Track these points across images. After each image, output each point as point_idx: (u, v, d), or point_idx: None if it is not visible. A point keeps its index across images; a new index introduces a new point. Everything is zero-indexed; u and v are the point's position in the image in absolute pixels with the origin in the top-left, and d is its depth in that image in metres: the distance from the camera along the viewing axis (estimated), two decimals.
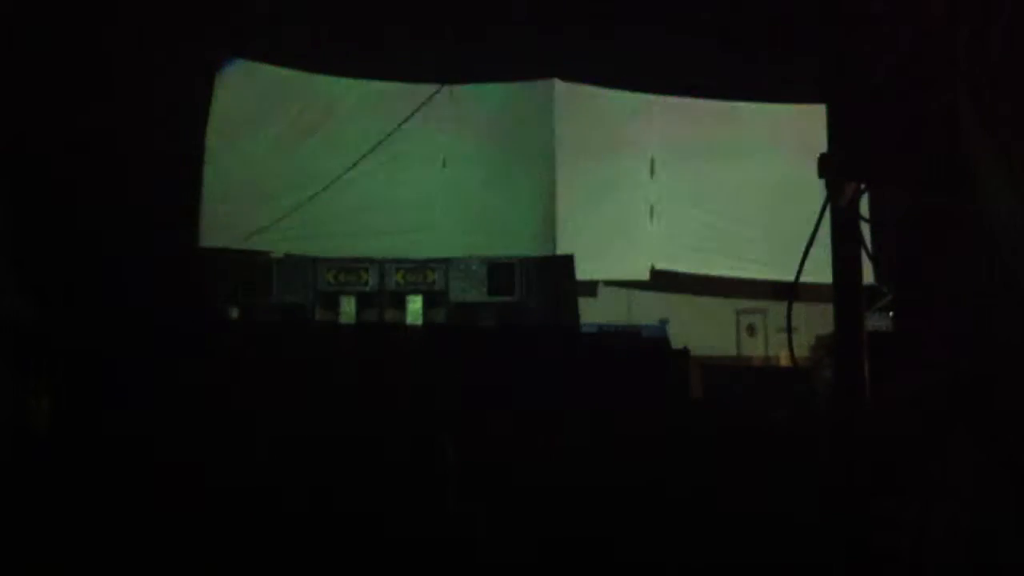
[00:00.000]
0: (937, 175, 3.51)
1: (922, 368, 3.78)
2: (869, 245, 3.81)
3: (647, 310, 9.78)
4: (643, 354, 8.22)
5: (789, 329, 3.89)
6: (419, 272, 9.18)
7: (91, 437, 6.57)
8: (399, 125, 9.27)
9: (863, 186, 3.63)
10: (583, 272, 9.22)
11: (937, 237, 3.72)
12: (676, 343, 8.54)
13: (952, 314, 3.78)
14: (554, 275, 9.11)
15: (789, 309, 3.89)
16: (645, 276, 9.85)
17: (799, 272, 3.71)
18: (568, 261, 9.10)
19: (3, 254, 7.56)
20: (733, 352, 10.13)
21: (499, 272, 9.07)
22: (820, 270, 3.86)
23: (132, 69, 8.15)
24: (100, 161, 7.97)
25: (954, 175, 3.43)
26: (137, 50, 8.17)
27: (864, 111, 3.58)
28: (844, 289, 3.67)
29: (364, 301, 9.18)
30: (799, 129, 8.63)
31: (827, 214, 3.66)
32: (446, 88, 9.35)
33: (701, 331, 9.34)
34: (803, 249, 3.64)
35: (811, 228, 3.72)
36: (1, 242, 7.60)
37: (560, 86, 9.60)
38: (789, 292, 3.94)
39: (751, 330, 10.19)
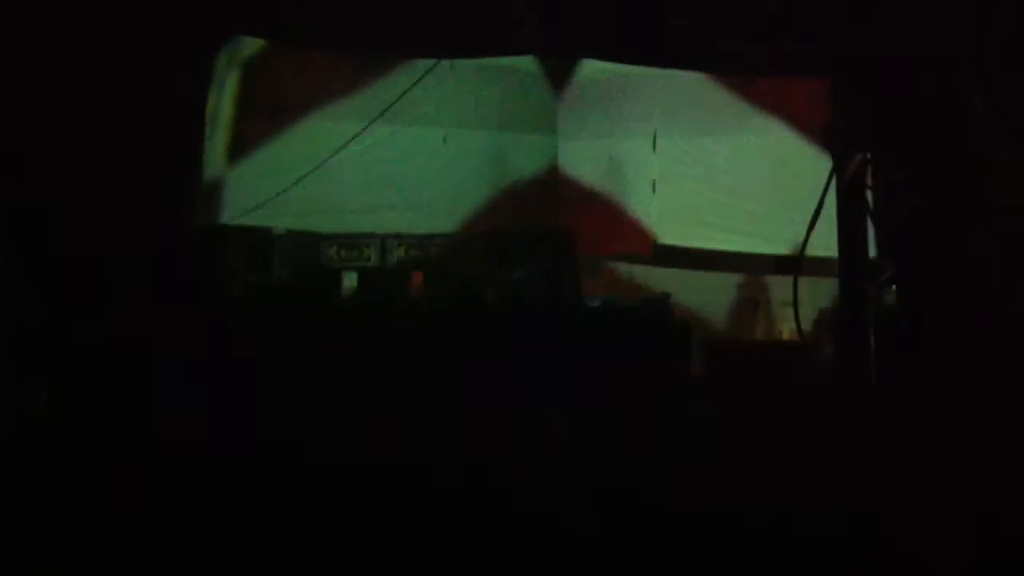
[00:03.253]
0: (941, 148, 3.49)
1: (925, 346, 3.77)
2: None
3: (649, 285, 9.76)
4: (645, 329, 8.22)
5: (795, 304, 3.87)
6: (420, 248, 9.15)
7: (93, 425, 6.56)
8: (397, 99, 9.21)
9: (868, 156, 3.61)
10: (585, 247, 9.20)
11: (940, 210, 3.70)
12: (678, 318, 8.54)
13: (956, 290, 3.76)
14: (556, 250, 9.09)
15: (795, 284, 3.87)
16: (647, 251, 9.82)
17: (804, 245, 3.70)
18: (570, 236, 9.08)
19: (2, 239, 7.54)
20: (735, 326, 10.11)
21: (500, 247, 9.05)
22: (824, 244, 3.84)
23: (130, 46, 8.11)
24: (98, 140, 7.93)
25: (958, 149, 3.42)
26: (136, 26, 8.13)
27: (869, 82, 3.55)
28: (849, 262, 3.65)
29: (366, 277, 9.15)
30: (803, 102, 8.60)
31: (832, 187, 3.65)
32: (445, 62, 9.29)
33: (703, 306, 9.33)
34: (808, 222, 3.63)
35: (815, 202, 3.70)
36: (0, 227, 7.58)
37: (561, 60, 9.54)
38: (794, 266, 3.92)
39: (754, 304, 10.17)
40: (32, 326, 6.93)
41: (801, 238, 3.90)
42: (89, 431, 6.44)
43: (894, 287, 4.51)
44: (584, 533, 5.16)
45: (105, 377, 6.93)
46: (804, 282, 4.47)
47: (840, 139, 3.53)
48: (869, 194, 3.72)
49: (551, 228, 9.30)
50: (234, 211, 9.26)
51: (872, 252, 4.04)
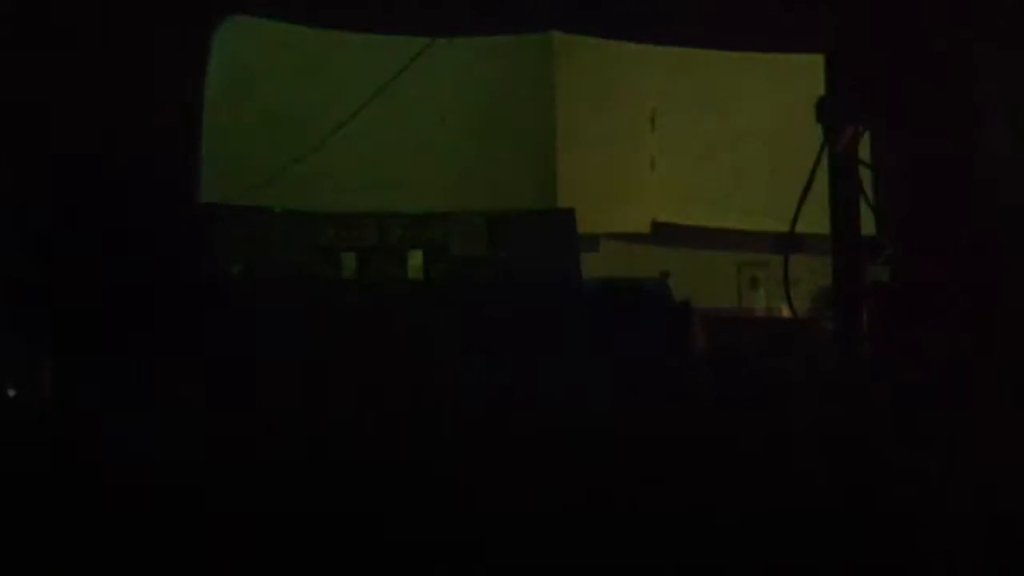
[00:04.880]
0: (936, 118, 3.46)
1: (928, 318, 3.74)
2: (869, 194, 3.76)
3: (648, 264, 9.73)
4: (644, 307, 8.20)
5: (787, 281, 3.85)
6: (419, 227, 9.13)
7: (93, 395, 6.56)
8: (394, 77, 9.17)
9: (861, 129, 3.57)
10: (584, 226, 9.17)
11: (938, 182, 3.67)
12: (677, 296, 8.51)
13: (958, 262, 3.73)
14: (555, 229, 9.07)
15: (786, 260, 3.85)
16: (646, 229, 9.80)
17: (795, 220, 3.67)
18: (569, 215, 9.06)
19: (4, 210, 7.54)
20: (735, 305, 10.08)
21: (499, 226, 9.03)
22: (824, 221, 3.81)
23: (130, 24, 8.09)
24: (99, 117, 7.92)
25: (954, 118, 3.38)
26: (135, 5, 8.11)
27: (863, 55, 3.52)
28: (842, 236, 3.63)
29: (365, 257, 9.14)
30: (800, 79, 8.54)
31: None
32: (443, 40, 9.24)
33: (702, 284, 9.30)
34: (799, 197, 3.60)
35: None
36: (2, 198, 7.58)
37: (559, 38, 9.50)
38: (787, 243, 3.90)
39: (753, 283, 10.15)
40: (32, 287, 6.94)
41: (803, 215, 3.88)
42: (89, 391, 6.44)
43: (892, 265, 4.48)
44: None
45: (103, 352, 6.94)
46: (806, 260, 4.45)
47: (833, 112, 3.50)
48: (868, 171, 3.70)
49: (550, 207, 9.27)
50: (233, 190, 9.24)
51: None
